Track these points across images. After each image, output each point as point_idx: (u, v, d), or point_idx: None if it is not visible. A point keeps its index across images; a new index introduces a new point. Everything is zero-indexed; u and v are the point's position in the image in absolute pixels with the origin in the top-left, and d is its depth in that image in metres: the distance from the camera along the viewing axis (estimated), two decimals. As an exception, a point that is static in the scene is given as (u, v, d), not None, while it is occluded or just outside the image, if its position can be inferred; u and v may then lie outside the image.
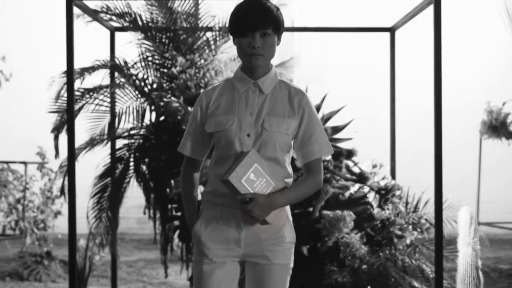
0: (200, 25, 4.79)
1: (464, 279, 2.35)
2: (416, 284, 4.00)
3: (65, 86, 4.52)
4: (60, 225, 6.93)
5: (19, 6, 8.84)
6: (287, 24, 7.83)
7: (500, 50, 8.02)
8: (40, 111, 8.21)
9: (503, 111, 6.57)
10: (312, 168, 2.60)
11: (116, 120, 4.65)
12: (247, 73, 2.59)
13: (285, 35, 8.11)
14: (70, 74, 3.91)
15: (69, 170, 3.82)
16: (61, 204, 6.69)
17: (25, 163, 6.47)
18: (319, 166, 2.60)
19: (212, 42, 4.79)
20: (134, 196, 5.02)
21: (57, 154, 4.51)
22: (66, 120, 3.84)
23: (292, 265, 2.65)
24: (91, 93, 4.59)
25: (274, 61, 5.43)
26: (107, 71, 4.82)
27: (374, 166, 4.48)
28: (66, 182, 5.02)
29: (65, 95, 4.51)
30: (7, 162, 6.71)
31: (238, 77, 2.62)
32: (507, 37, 6.93)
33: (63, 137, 4.63)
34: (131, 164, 4.65)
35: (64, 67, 4.73)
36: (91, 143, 4.68)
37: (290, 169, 2.60)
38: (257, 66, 2.55)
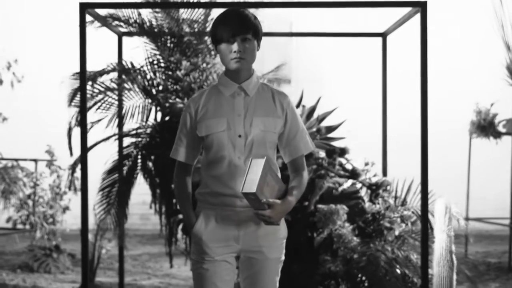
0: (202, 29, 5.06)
1: (440, 261, 2.62)
2: (406, 272, 4.25)
3: (77, 87, 4.83)
4: (68, 220, 7.19)
5: (32, 12, 9.09)
6: (286, 28, 8.06)
7: (490, 53, 8.24)
8: (49, 111, 8.50)
9: (491, 111, 6.79)
10: (300, 165, 2.77)
11: (124, 119, 4.92)
12: (231, 78, 2.71)
13: (283, 39, 8.37)
14: (83, 77, 4.15)
15: (82, 167, 4.08)
16: (69, 200, 6.95)
17: (35, 160, 6.69)
18: (304, 162, 2.79)
19: (212, 47, 5.05)
20: (137, 193, 5.23)
21: (71, 153, 4.78)
22: (79, 119, 4.11)
23: (283, 258, 2.79)
24: (101, 95, 4.86)
25: (272, 65, 5.70)
26: (115, 73, 5.10)
27: (366, 164, 4.73)
28: (74, 178, 5.33)
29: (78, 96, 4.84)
30: (17, 160, 6.95)
31: (223, 82, 2.73)
32: (496, 41, 7.16)
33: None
34: (139, 161, 4.91)
35: (74, 69, 5.03)
36: (101, 142, 4.97)
37: (277, 164, 2.77)
38: (240, 70, 2.67)
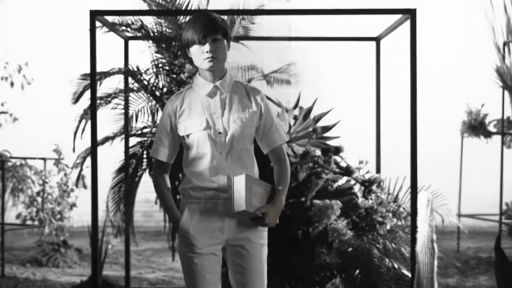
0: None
1: (422, 249, 2.90)
2: (395, 264, 4.48)
3: (83, 88, 5.07)
4: (74, 217, 7.44)
5: (41, 17, 9.34)
6: (285, 31, 8.22)
7: (481, 56, 8.45)
8: (57, 112, 8.74)
9: (482, 112, 7.04)
10: (280, 155, 2.95)
11: (132, 120, 5.17)
12: (206, 78, 2.85)
13: (282, 42, 8.52)
14: (93, 80, 4.38)
15: (92, 164, 4.33)
16: (76, 197, 7.20)
17: (44, 159, 6.92)
18: (284, 152, 2.96)
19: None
20: (140, 191, 5.46)
21: (74, 149, 5.01)
22: (91, 120, 4.35)
23: (266, 247, 2.95)
24: (108, 96, 5.11)
25: (273, 66, 5.91)
26: (122, 76, 5.35)
27: (361, 162, 4.96)
28: (81, 175, 5.56)
29: (85, 97, 5.08)
30: (25, 158, 7.20)
31: (199, 83, 2.87)
32: (487, 44, 7.39)
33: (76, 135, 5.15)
34: (144, 159, 5.16)
35: (81, 73, 5.27)
36: (108, 140, 5.22)
37: (254, 156, 2.94)
38: (214, 69, 2.81)
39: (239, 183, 2.72)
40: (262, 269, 2.93)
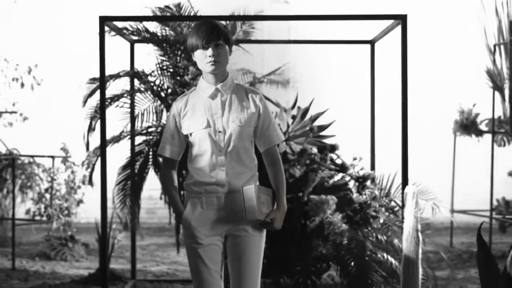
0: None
1: (407, 238, 3.15)
2: (386, 256, 4.71)
3: (91, 91, 5.32)
4: (81, 213, 7.69)
5: (50, 21, 9.58)
6: (284, 33, 8.44)
7: (474, 58, 8.65)
8: (65, 112, 9.00)
9: (473, 111, 7.28)
10: (274, 155, 3.11)
11: (138, 119, 5.42)
12: (209, 81, 3.02)
13: (282, 44, 8.69)
14: (103, 81, 4.62)
15: (102, 162, 4.58)
16: (83, 194, 7.45)
17: (52, 157, 7.13)
18: (278, 152, 3.13)
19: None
20: (143, 188, 5.69)
21: (87, 149, 5.27)
22: (100, 119, 4.60)
23: (264, 238, 3.10)
24: (116, 96, 5.36)
25: (273, 67, 6.15)
26: (128, 78, 5.60)
27: (354, 159, 5.19)
28: (91, 174, 5.80)
29: (93, 98, 5.33)
30: (33, 156, 7.43)
31: (202, 85, 3.05)
32: (480, 46, 7.62)
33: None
34: (150, 157, 5.41)
35: (88, 74, 5.51)
36: (116, 138, 5.47)
37: (254, 154, 3.11)
38: (216, 72, 2.98)
39: (249, 193, 2.93)
40: (259, 259, 3.11)
